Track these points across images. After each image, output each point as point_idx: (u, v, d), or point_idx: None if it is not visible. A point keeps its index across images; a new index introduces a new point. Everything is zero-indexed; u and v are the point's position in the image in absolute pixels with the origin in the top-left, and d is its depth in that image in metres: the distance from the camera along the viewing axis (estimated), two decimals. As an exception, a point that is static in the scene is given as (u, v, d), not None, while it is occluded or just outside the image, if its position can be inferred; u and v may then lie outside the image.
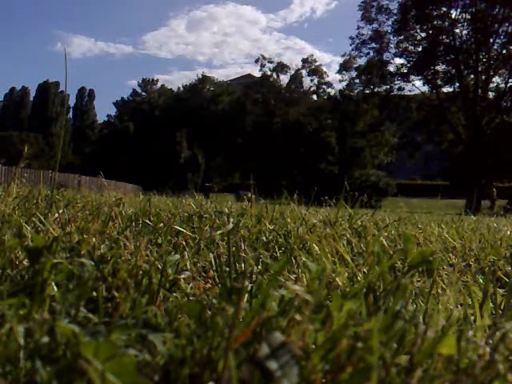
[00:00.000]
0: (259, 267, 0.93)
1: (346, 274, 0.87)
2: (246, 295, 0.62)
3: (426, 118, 31.73)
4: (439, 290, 0.84)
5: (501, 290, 0.89)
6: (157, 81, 50.32)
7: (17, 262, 0.76)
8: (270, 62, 38.95)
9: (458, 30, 30.64)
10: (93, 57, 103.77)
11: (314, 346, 0.47)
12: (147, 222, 1.34)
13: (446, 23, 30.73)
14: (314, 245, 1.06)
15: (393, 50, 32.59)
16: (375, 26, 32.76)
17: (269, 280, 0.55)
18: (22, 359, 0.44)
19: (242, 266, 0.84)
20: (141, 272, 0.71)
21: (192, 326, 0.51)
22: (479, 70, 30.08)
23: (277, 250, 1.18)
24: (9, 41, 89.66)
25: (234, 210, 1.90)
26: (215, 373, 0.45)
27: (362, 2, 32.97)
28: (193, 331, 0.50)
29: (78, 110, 54.67)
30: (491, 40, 29.86)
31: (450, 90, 31.80)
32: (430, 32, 31.02)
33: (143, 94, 48.86)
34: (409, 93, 32.91)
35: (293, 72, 39.37)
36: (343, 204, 1.84)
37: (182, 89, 45.25)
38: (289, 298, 0.53)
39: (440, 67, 31.64)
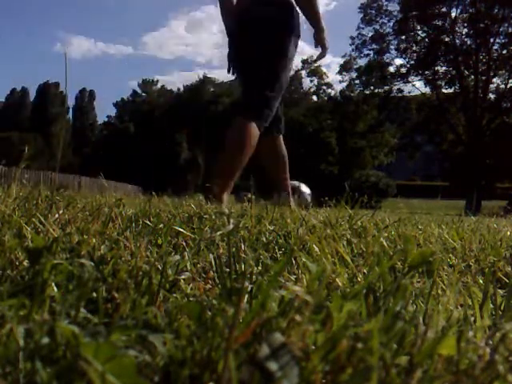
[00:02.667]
0: (259, 268, 0.93)
1: (346, 274, 0.87)
2: (246, 296, 0.62)
3: (425, 118, 31.74)
4: (439, 291, 0.84)
5: (501, 291, 0.89)
6: (157, 81, 50.43)
7: (17, 263, 0.76)
8: (270, 63, 38.92)
9: (458, 30, 30.67)
10: (93, 57, 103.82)
11: (314, 347, 0.48)
12: (147, 222, 1.34)
13: (447, 23, 30.76)
14: (314, 245, 1.06)
15: (393, 51, 32.62)
16: (376, 27, 32.81)
17: (269, 281, 0.55)
18: (22, 360, 0.44)
19: (242, 266, 0.84)
20: (141, 273, 0.71)
21: (192, 327, 0.51)
22: (479, 70, 30.09)
23: (277, 250, 1.18)
24: (9, 41, 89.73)
25: (234, 210, 1.90)
26: (215, 373, 0.45)
27: (362, 4, 33.00)
28: (193, 332, 0.50)
29: (78, 110, 54.72)
30: (491, 40, 29.87)
31: (450, 90, 31.84)
32: (430, 32, 31.04)
33: (143, 94, 48.91)
34: (409, 94, 32.94)
35: (292, 73, 39.39)
36: (343, 205, 1.84)
37: (182, 89, 45.28)
38: (289, 299, 0.53)
39: (440, 68, 31.67)
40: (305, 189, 3.87)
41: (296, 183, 3.92)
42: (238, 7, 3.30)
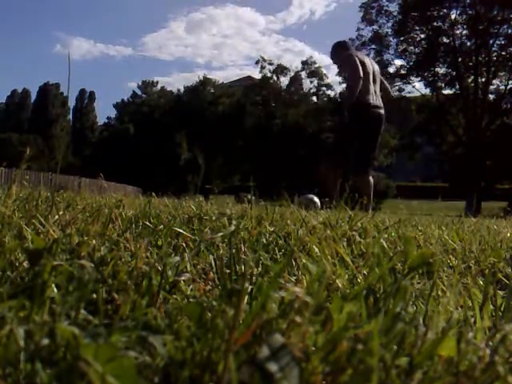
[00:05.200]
0: (259, 269, 0.93)
1: (346, 275, 0.87)
2: (246, 297, 0.62)
3: (426, 119, 31.73)
4: (439, 292, 0.84)
5: (501, 292, 0.89)
6: (157, 83, 50.56)
7: (17, 264, 0.76)
8: (270, 64, 38.99)
9: (457, 32, 30.66)
10: (92, 59, 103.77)
11: (314, 348, 0.48)
12: (147, 223, 1.34)
13: (446, 24, 30.76)
14: (314, 246, 1.06)
15: (393, 52, 32.63)
16: (375, 27, 32.80)
17: (269, 282, 0.55)
18: (22, 361, 0.44)
19: (242, 267, 0.84)
20: (141, 274, 0.71)
21: (192, 328, 0.52)
22: (479, 72, 30.10)
23: (277, 251, 1.18)
24: (9, 43, 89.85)
25: (234, 211, 1.90)
26: (215, 374, 0.45)
27: (363, 4, 33.00)
28: (193, 333, 0.50)
29: (78, 111, 54.74)
30: (491, 42, 29.87)
31: (450, 92, 31.83)
32: (430, 33, 31.04)
33: (143, 95, 48.97)
34: (409, 94, 32.93)
35: (292, 74, 39.40)
36: (343, 206, 1.84)
37: (182, 91, 45.31)
38: (289, 300, 0.53)
39: (440, 69, 31.66)
40: (316, 199, 5.20)
41: (311, 196, 5.29)
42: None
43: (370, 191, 5.21)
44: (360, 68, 5.20)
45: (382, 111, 5.44)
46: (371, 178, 5.37)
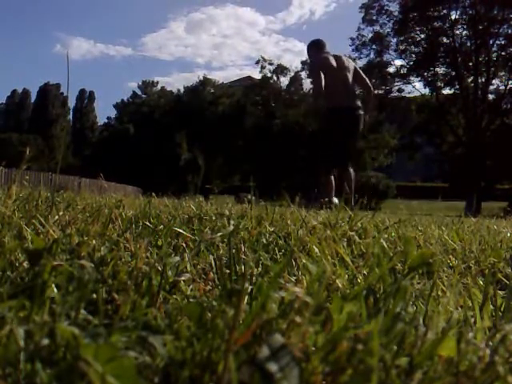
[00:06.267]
0: (259, 269, 0.93)
1: (346, 275, 0.87)
2: (246, 297, 0.62)
3: (425, 119, 31.72)
4: (439, 292, 0.84)
5: (501, 292, 0.89)
6: (157, 83, 50.57)
7: (17, 264, 0.76)
8: (270, 64, 38.94)
9: (457, 32, 30.65)
10: (92, 59, 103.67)
11: (314, 348, 0.48)
12: (147, 223, 1.34)
13: (446, 25, 30.75)
14: (314, 247, 1.06)
15: (393, 52, 32.62)
16: (376, 27, 32.79)
17: (269, 282, 0.55)
18: (22, 361, 0.44)
19: (242, 267, 0.84)
20: (141, 274, 0.71)
21: (192, 328, 0.52)
22: (479, 71, 30.09)
23: (277, 251, 1.18)
24: (9, 43, 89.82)
25: (234, 212, 1.90)
26: (215, 374, 0.45)
27: (363, 4, 33.00)
28: (193, 333, 0.50)
29: (78, 111, 54.72)
30: (491, 41, 29.86)
31: (450, 92, 31.82)
32: (430, 33, 31.02)
33: (143, 96, 48.98)
34: (409, 94, 32.91)
35: (292, 74, 39.36)
36: (343, 206, 1.84)
37: (182, 91, 45.27)
38: (289, 300, 0.53)
39: (440, 69, 31.65)
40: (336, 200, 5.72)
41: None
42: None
43: (351, 183, 5.48)
44: (322, 81, 5.40)
45: (358, 111, 5.61)
46: (352, 171, 5.62)
